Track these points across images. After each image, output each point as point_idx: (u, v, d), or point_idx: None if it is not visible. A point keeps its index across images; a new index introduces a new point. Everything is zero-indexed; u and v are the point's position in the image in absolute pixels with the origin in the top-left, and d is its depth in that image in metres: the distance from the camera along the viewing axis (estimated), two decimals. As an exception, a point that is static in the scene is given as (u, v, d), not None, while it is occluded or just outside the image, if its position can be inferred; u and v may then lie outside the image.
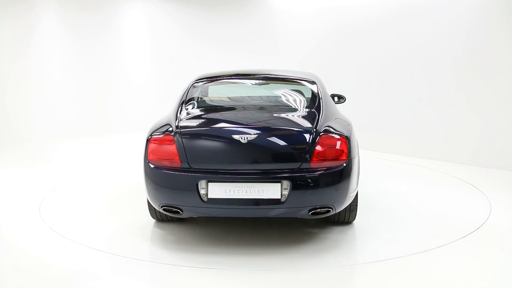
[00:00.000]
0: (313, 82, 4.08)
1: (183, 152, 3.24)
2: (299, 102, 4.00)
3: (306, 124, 3.39)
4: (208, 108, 3.98)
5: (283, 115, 3.61)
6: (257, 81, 4.35)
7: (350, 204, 3.60)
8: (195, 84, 4.13)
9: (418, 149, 7.04)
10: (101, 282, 2.95)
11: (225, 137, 3.28)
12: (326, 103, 3.81)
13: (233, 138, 3.19)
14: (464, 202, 4.75)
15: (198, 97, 4.07)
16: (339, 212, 3.63)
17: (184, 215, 3.32)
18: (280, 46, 8.79)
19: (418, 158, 6.89)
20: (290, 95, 4.22)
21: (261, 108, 3.90)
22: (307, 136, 3.24)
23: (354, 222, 4.08)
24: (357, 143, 3.75)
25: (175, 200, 3.25)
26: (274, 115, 3.63)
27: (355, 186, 3.49)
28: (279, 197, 3.12)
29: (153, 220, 4.04)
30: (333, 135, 3.30)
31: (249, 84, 4.42)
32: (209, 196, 3.16)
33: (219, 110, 3.90)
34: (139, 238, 3.68)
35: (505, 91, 6.15)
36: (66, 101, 9.04)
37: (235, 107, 3.96)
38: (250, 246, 3.48)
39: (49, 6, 8.76)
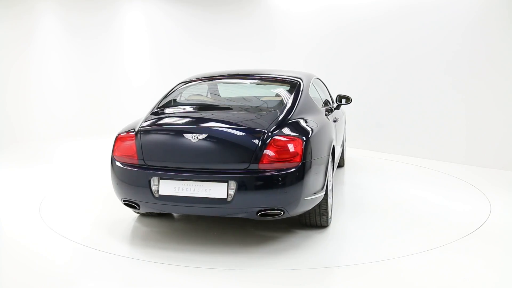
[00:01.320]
0: (295, 83, 4.11)
1: (140, 149, 3.38)
2: (268, 103, 3.98)
3: (260, 125, 3.34)
4: (176, 108, 4.00)
5: (242, 115, 3.60)
6: (240, 82, 4.48)
7: (319, 208, 3.58)
8: (178, 86, 4.30)
9: (418, 149, 7.05)
10: (101, 282, 2.95)
11: (177, 136, 3.36)
12: (300, 103, 3.77)
13: (185, 138, 3.27)
14: (464, 202, 4.75)
15: (175, 99, 4.16)
16: (309, 216, 3.63)
17: (141, 210, 3.46)
18: (280, 46, 8.80)
19: (418, 158, 6.89)
20: (265, 95, 4.28)
21: (227, 108, 3.91)
22: (257, 137, 3.22)
23: (354, 222, 4.09)
24: (330, 146, 3.69)
25: (132, 195, 3.40)
26: (233, 115, 3.63)
27: (316, 189, 3.39)
28: (225, 197, 3.15)
29: (153, 220, 4.04)
30: (286, 137, 3.25)
31: (233, 84, 4.51)
32: (160, 193, 3.26)
33: (183, 111, 3.92)
34: (139, 238, 3.68)
35: (505, 91, 6.15)
36: (66, 101, 9.05)
37: (201, 108, 3.99)
38: (216, 244, 3.51)
39: (49, 6, 8.76)
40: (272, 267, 3.15)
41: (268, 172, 3.15)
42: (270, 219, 3.27)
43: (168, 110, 3.90)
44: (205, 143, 3.24)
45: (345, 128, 6.09)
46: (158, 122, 3.64)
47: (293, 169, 3.17)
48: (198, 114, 3.77)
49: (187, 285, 2.90)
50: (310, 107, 3.89)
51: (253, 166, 3.17)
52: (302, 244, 3.55)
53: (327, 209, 3.66)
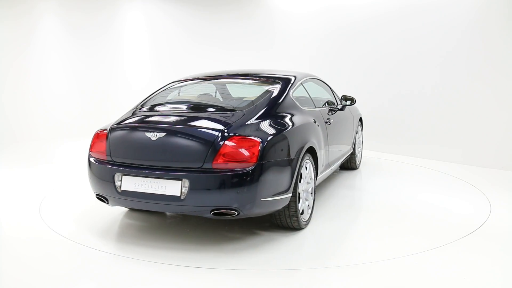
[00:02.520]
0: (278, 82, 4.12)
1: (109, 146, 3.56)
2: (239, 103, 3.99)
3: (220, 125, 3.37)
4: (150, 108, 4.03)
5: (206, 115, 3.63)
6: (224, 82, 4.54)
7: (288, 209, 3.57)
8: (164, 86, 4.48)
9: (418, 149, 7.05)
10: (101, 282, 2.95)
11: (139, 134, 3.47)
12: (273, 104, 3.77)
13: (146, 136, 3.38)
14: (464, 202, 4.75)
15: (155, 99, 4.22)
16: (279, 217, 3.63)
17: (110, 204, 3.58)
18: (280, 46, 8.80)
19: (418, 158, 6.90)
20: (243, 96, 4.31)
21: (196, 108, 3.93)
22: (213, 137, 3.26)
23: (354, 221, 4.09)
24: (302, 148, 3.63)
25: (101, 189, 3.57)
26: (197, 115, 3.65)
27: (277, 191, 3.37)
28: (179, 194, 3.22)
29: (154, 220, 4.05)
30: (243, 137, 3.26)
31: (216, 85, 4.57)
32: (122, 188, 3.40)
33: (154, 110, 3.96)
34: (139, 238, 3.68)
35: (505, 91, 6.15)
36: (66, 101, 9.06)
37: (171, 108, 4.01)
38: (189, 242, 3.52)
39: (49, 7, 8.77)
40: (256, 266, 3.16)
41: (221, 171, 3.18)
42: (224, 218, 3.30)
43: (143, 110, 3.99)
44: (163, 142, 3.33)
45: (358, 130, 6.00)
46: (127, 121, 3.74)
47: (247, 170, 3.18)
48: (164, 114, 3.84)
49: (187, 285, 2.91)
50: (287, 108, 3.87)
51: (207, 165, 3.21)
52: (301, 244, 3.56)
53: (296, 211, 3.61)
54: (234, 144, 3.22)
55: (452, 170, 6.15)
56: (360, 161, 6.28)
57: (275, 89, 4.02)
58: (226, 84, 4.60)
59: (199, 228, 3.86)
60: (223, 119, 3.48)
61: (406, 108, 7.20)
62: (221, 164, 3.19)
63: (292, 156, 3.52)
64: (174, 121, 3.56)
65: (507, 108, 6.15)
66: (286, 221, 3.65)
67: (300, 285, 2.89)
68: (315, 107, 4.51)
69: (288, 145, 3.51)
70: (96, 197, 3.67)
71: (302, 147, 3.67)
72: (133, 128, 3.62)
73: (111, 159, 3.53)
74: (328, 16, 8.05)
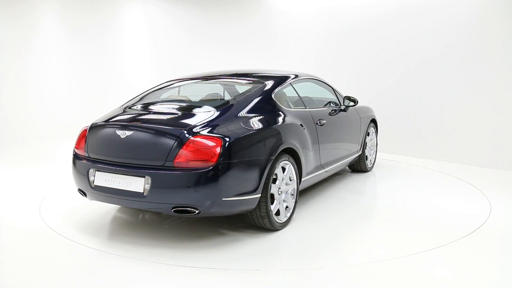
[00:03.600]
0: (261, 83, 4.17)
1: (87, 143, 3.74)
2: (214, 102, 4.03)
3: (185, 124, 3.44)
4: (131, 107, 4.12)
5: (176, 114, 3.72)
6: (209, 83, 4.59)
7: (259, 210, 3.57)
8: (154, 87, 4.60)
9: (418, 149, 7.05)
10: (101, 281, 2.95)
11: (111, 132, 3.60)
12: (247, 104, 3.79)
13: (116, 134, 3.52)
14: (464, 202, 4.75)
15: (140, 98, 4.34)
16: (252, 217, 3.64)
17: (88, 198, 3.72)
18: (280, 46, 8.80)
19: (418, 158, 6.90)
20: (221, 95, 4.36)
21: (170, 107, 4.00)
22: (176, 135, 3.31)
23: (354, 221, 4.09)
24: (275, 149, 3.60)
25: (80, 184, 3.75)
26: (167, 114, 3.75)
27: (241, 191, 3.38)
28: (142, 191, 3.31)
29: (155, 220, 4.05)
30: (206, 137, 3.30)
31: (202, 85, 4.62)
32: (95, 183, 3.56)
33: (131, 109, 4.04)
34: (139, 237, 3.68)
35: (505, 91, 6.15)
36: (66, 102, 9.06)
37: (146, 107, 4.08)
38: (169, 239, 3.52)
39: (49, 7, 8.77)
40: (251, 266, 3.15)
41: (182, 170, 3.23)
42: (186, 216, 3.37)
43: (124, 108, 4.10)
44: (131, 140, 3.45)
45: (370, 132, 5.90)
46: (105, 119, 3.85)
47: (207, 169, 3.21)
48: (138, 113, 3.93)
49: (188, 285, 2.91)
50: (263, 108, 3.88)
51: (169, 164, 3.27)
52: (298, 244, 3.56)
53: (267, 212, 3.60)
54: (195, 143, 3.27)
55: (452, 170, 6.15)
56: (373, 164, 6.14)
57: (255, 89, 4.05)
58: (212, 84, 4.64)
59: (193, 225, 3.86)
60: (191, 118, 3.56)
61: (405, 108, 7.19)
62: (182, 163, 3.24)
63: (262, 156, 3.51)
64: (143, 120, 3.70)
65: (507, 108, 6.15)
66: (259, 221, 3.66)
67: (301, 284, 2.89)
68: (306, 108, 4.48)
69: (257, 146, 3.52)
70: (78, 191, 3.83)
71: (276, 148, 3.65)
72: (107, 126, 3.73)
73: (87, 155, 3.71)
74: (328, 16, 8.05)
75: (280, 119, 3.92)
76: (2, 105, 8.32)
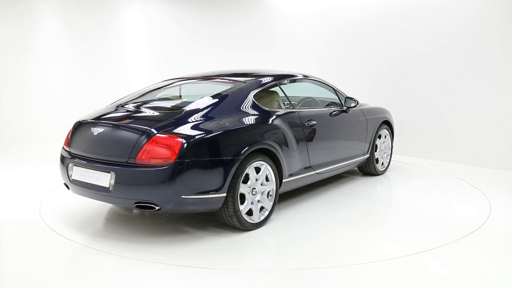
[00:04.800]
0: (244, 82, 4.20)
1: (70, 139, 3.97)
2: (184, 103, 4.09)
3: (151, 123, 3.56)
4: (113, 105, 4.23)
5: (146, 114, 3.87)
6: (196, 83, 4.65)
7: (227, 209, 3.59)
8: (148, 87, 4.73)
9: (418, 149, 7.05)
10: (102, 281, 2.95)
11: (87, 129, 3.79)
12: (218, 104, 3.81)
13: (91, 131, 3.73)
14: (464, 202, 4.75)
15: (129, 98, 4.43)
16: (222, 216, 3.67)
17: (71, 191, 3.89)
18: (279, 46, 8.79)
19: (418, 158, 6.90)
20: (197, 95, 4.35)
21: (144, 107, 4.08)
22: (140, 134, 3.44)
23: (353, 221, 4.09)
24: (242, 149, 3.59)
25: (63, 178, 3.94)
26: (137, 113, 3.89)
27: (203, 189, 3.42)
28: (108, 186, 3.45)
29: (155, 219, 4.05)
30: (167, 136, 3.38)
31: (192, 85, 4.68)
32: (72, 177, 3.76)
33: (112, 108, 4.13)
34: (139, 237, 3.68)
35: (505, 91, 6.15)
36: (66, 102, 9.06)
37: (126, 105, 4.16)
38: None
39: (49, 7, 8.77)
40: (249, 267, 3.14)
41: (142, 167, 3.34)
42: (148, 211, 3.49)
43: (108, 107, 4.22)
44: (101, 137, 3.65)
45: (382, 135, 5.75)
46: (89, 116, 4.01)
47: (166, 167, 3.30)
48: (116, 111, 4.04)
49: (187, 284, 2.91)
50: (236, 108, 3.88)
51: (132, 160, 3.40)
52: (276, 244, 3.57)
53: (235, 211, 3.61)
54: (156, 141, 3.37)
55: (452, 170, 6.16)
56: (387, 167, 5.95)
57: (233, 90, 4.06)
58: (199, 85, 4.65)
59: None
60: (159, 117, 3.66)
61: (405, 108, 7.19)
62: (144, 160, 3.36)
63: (228, 156, 3.53)
64: (116, 118, 3.84)
65: (507, 108, 6.15)
66: (228, 220, 3.70)
67: (302, 285, 2.90)
68: (293, 109, 4.45)
69: (222, 146, 3.55)
70: (63, 184, 4.00)
71: (246, 148, 3.65)
72: (86, 123, 3.90)
73: (69, 150, 3.93)
74: (328, 17, 8.05)
75: (256, 120, 3.92)
76: (2, 105, 8.32)
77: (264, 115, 4.02)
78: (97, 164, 3.55)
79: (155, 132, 3.40)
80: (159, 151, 3.34)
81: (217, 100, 3.88)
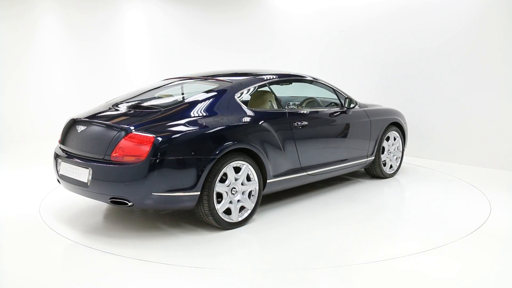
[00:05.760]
0: (230, 82, 4.23)
1: (62, 136, 4.14)
2: (167, 103, 4.16)
3: (128, 121, 3.68)
4: (105, 104, 4.30)
5: (126, 113, 3.93)
6: (186, 84, 4.67)
7: (202, 208, 3.63)
8: (143, 87, 4.84)
9: (419, 149, 7.05)
10: (101, 282, 2.95)
11: (74, 126, 3.98)
12: (197, 104, 3.86)
13: (76, 128, 3.92)
14: (464, 202, 4.75)
15: (119, 97, 4.51)
16: (198, 214, 3.72)
17: (62, 185, 4.00)
18: (279, 46, 8.79)
19: (419, 158, 6.90)
20: (182, 96, 4.42)
21: (132, 106, 4.13)
22: (116, 131, 3.57)
23: (353, 221, 4.09)
24: (216, 149, 3.61)
25: (55, 173, 4.08)
26: (118, 113, 3.95)
27: (174, 187, 3.48)
28: (86, 181, 3.60)
29: (156, 219, 4.05)
30: (140, 134, 3.48)
31: (183, 85, 4.70)
32: (60, 172, 3.93)
33: (107, 106, 4.23)
34: (139, 237, 3.68)
35: (505, 91, 6.15)
36: (66, 102, 9.05)
37: (115, 105, 4.20)
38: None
39: (49, 7, 8.76)
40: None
41: (116, 164, 3.47)
42: (123, 206, 3.61)
43: (101, 105, 4.31)
44: (84, 134, 3.82)
45: (391, 137, 5.57)
46: (80, 114, 4.15)
47: (136, 165, 3.40)
48: (103, 109, 4.14)
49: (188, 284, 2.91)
50: (216, 108, 3.91)
51: (107, 157, 3.53)
52: (258, 244, 3.56)
53: (210, 210, 3.65)
54: (130, 139, 3.48)
55: (452, 170, 6.15)
56: (396, 170, 5.76)
57: (216, 90, 4.09)
58: (189, 85, 4.66)
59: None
60: (138, 117, 3.75)
61: (405, 108, 7.19)
62: (118, 157, 3.48)
63: (202, 155, 3.58)
64: (99, 116, 3.95)
65: (507, 108, 6.15)
66: (204, 218, 3.75)
67: (304, 285, 2.90)
68: (283, 109, 4.42)
69: (196, 145, 3.58)
70: (57, 180, 4.09)
71: (222, 148, 3.67)
72: (74, 120, 4.05)
73: (60, 146, 4.11)
74: (328, 17, 8.05)
75: (236, 120, 3.92)
76: (2, 105, 8.32)
77: (246, 116, 4.02)
78: (78, 160, 3.72)
79: (130, 130, 3.52)
80: (133, 149, 3.45)
81: (197, 100, 3.93)
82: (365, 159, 5.28)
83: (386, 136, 5.52)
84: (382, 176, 5.59)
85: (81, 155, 3.76)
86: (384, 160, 5.57)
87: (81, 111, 4.34)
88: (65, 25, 8.99)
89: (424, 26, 6.84)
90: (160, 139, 3.45)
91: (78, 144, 3.83)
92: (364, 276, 3.01)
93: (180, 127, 3.61)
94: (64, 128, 4.13)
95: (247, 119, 4.00)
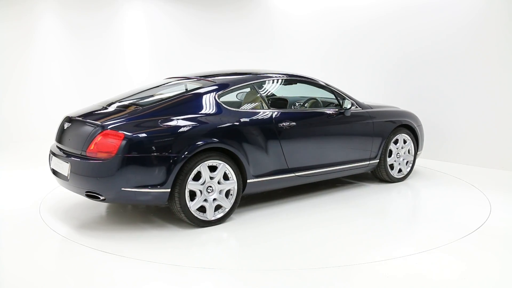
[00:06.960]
0: (213, 82, 4.29)
1: (57, 132, 4.29)
2: (148, 101, 4.22)
3: (107, 119, 3.79)
4: (100, 103, 4.36)
5: (110, 111, 4.02)
6: (178, 84, 4.70)
7: (174, 205, 3.72)
8: (142, 87, 4.92)
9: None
10: (101, 282, 2.95)
11: (63, 123, 4.17)
12: (173, 103, 3.95)
13: (64, 125, 4.11)
14: (464, 202, 4.75)
15: (116, 96, 4.59)
16: (172, 210, 3.82)
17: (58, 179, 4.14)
18: (279, 46, 8.79)
19: (418, 158, 6.88)
20: (164, 96, 4.40)
21: (120, 105, 4.19)
22: (93, 128, 3.74)
23: (353, 221, 4.08)
24: (189, 147, 3.67)
25: (49, 167, 4.24)
26: (104, 111, 4.05)
27: (143, 183, 3.60)
28: (67, 175, 3.80)
29: (156, 219, 4.05)
30: (112, 131, 3.63)
31: (176, 85, 4.72)
32: (51, 166, 4.16)
33: (99, 104, 4.31)
34: (138, 237, 3.69)
35: (505, 91, 6.15)
36: (66, 102, 9.04)
37: (111, 103, 4.28)
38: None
39: (49, 6, 8.76)
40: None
41: (90, 159, 3.63)
42: (97, 200, 3.74)
43: (95, 104, 4.39)
44: (69, 130, 4.02)
45: (401, 139, 5.38)
46: (72, 112, 4.28)
47: (106, 160, 3.55)
48: (93, 108, 4.24)
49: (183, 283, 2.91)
50: (198, 108, 3.97)
51: (83, 153, 3.71)
52: (238, 244, 3.56)
53: (182, 207, 3.73)
54: (103, 136, 3.63)
55: (452, 170, 6.15)
56: (407, 175, 5.55)
57: (197, 89, 4.16)
58: (175, 86, 4.67)
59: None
60: (116, 115, 3.87)
61: (405, 109, 7.18)
62: (92, 153, 3.64)
63: (173, 153, 3.67)
64: (85, 114, 4.06)
65: (507, 108, 6.14)
66: (178, 215, 3.83)
67: (302, 284, 2.90)
68: (269, 109, 4.34)
69: (167, 143, 3.67)
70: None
71: (194, 146, 3.72)
72: (66, 118, 4.22)
73: (55, 142, 4.30)
74: (328, 17, 8.04)
75: (212, 119, 3.94)
76: (2, 105, 8.31)
77: (224, 116, 4.03)
78: (62, 155, 3.92)
79: (105, 128, 3.66)
80: (105, 145, 3.59)
81: (176, 99, 4.03)
82: (367, 162, 5.11)
83: (395, 138, 5.34)
84: (389, 180, 5.38)
85: (65, 150, 3.97)
86: (391, 164, 5.36)
87: (76, 109, 4.41)
88: (65, 24, 8.99)
89: (428, 25, 6.83)
90: (129, 136, 3.58)
91: (65, 140, 4.04)
92: (364, 276, 3.01)
93: (154, 125, 3.72)
94: (59, 125, 4.30)
95: (224, 119, 4.01)
